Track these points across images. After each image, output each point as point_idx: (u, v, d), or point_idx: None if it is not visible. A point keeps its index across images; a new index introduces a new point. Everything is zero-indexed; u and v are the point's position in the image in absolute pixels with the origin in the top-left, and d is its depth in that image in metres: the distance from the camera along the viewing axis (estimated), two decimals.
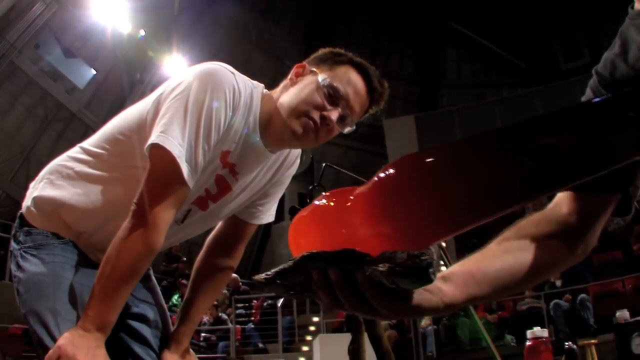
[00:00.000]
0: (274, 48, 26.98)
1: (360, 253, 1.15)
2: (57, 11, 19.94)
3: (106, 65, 22.63)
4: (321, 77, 2.42)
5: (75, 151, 2.57)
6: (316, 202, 1.30)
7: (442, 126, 23.71)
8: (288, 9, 27.50)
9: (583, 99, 1.61)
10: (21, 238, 2.47)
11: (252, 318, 17.94)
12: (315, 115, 2.39)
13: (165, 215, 2.24)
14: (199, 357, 2.85)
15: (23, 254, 2.42)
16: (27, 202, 2.53)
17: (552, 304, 13.83)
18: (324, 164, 4.33)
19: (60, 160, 2.58)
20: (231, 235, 2.83)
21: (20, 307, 2.35)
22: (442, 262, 3.92)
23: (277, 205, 2.91)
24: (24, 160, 20.64)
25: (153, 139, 2.22)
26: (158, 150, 2.21)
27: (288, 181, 2.85)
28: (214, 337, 16.66)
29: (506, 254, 1.49)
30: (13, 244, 2.50)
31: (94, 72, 22.68)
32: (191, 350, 2.77)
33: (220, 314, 16.83)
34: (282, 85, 2.55)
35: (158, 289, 2.81)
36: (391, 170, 1.17)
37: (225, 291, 17.35)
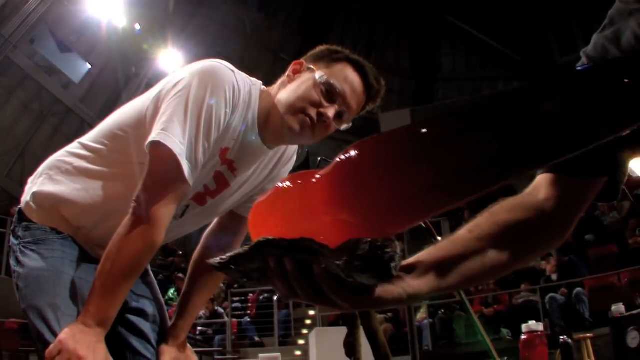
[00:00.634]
0: (269, 42, 26.93)
1: (318, 244, 1.09)
2: (52, 5, 19.88)
3: (101, 59, 22.58)
4: (318, 74, 2.43)
5: (74, 147, 2.59)
6: (278, 185, 1.23)
7: None
8: (283, 2, 27.45)
9: None
10: (20, 233, 2.48)
11: (248, 312, 17.97)
12: (312, 112, 2.40)
13: (165, 212, 2.26)
14: (195, 351, 2.85)
15: (22, 249, 2.43)
16: (26, 197, 2.54)
17: (547, 297, 13.87)
18: (319, 158, 4.33)
19: (59, 155, 2.59)
20: (228, 230, 2.84)
21: (20, 302, 2.36)
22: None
23: None
24: (20, 155, 20.58)
25: (154, 136, 2.23)
26: (159, 148, 2.22)
27: (285, 177, 2.84)
28: (210, 331, 16.69)
29: (478, 242, 1.41)
30: (12, 240, 2.51)
31: (89, 66, 22.62)
32: (188, 344, 2.78)
33: (216, 308, 16.86)
34: (279, 82, 2.57)
35: (155, 283, 2.82)
36: (352, 153, 1.12)
37: (221, 285, 17.36)
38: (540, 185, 1.51)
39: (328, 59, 2.50)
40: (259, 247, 1.13)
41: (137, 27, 21.84)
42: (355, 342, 3.23)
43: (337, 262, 1.07)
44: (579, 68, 1.13)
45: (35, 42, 20.93)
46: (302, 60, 2.57)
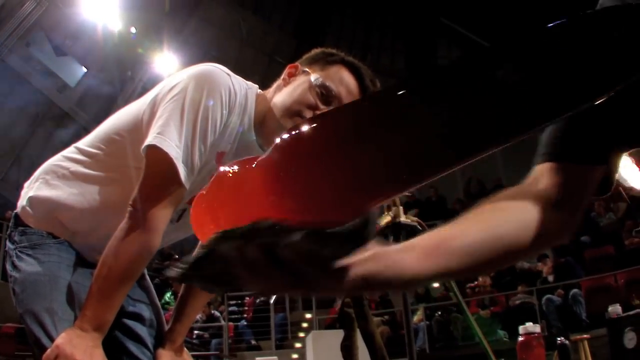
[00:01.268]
0: (265, 45, 26.94)
1: (273, 221, 0.93)
2: (47, 9, 19.88)
3: (97, 63, 22.56)
4: (313, 77, 2.43)
5: (70, 151, 2.58)
6: (217, 174, 1.10)
7: None
8: (278, 5, 27.46)
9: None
10: (16, 238, 2.47)
11: (245, 315, 17.97)
12: (308, 114, 2.39)
13: (162, 216, 2.25)
14: (192, 355, 2.85)
15: (18, 253, 2.42)
16: (22, 201, 2.54)
17: (544, 299, 13.89)
18: None
19: (56, 160, 2.59)
20: None
21: (17, 306, 2.35)
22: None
23: None
24: (15, 158, 20.58)
25: (150, 140, 2.22)
26: (155, 152, 2.21)
27: None
28: (206, 335, 16.68)
29: (487, 222, 1.32)
30: (8, 244, 2.51)
31: (85, 70, 22.62)
32: (185, 348, 2.78)
33: (212, 311, 16.84)
34: (275, 85, 2.57)
35: (152, 287, 2.82)
36: (293, 132, 1.00)
37: None
38: (540, 175, 1.44)
39: (323, 62, 2.50)
40: (215, 244, 0.97)
41: (133, 30, 21.84)
42: (352, 345, 3.23)
43: (295, 238, 0.93)
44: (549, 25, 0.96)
45: (31, 46, 20.91)
46: (297, 63, 2.57)
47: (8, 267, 2.45)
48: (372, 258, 1.11)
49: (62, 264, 2.39)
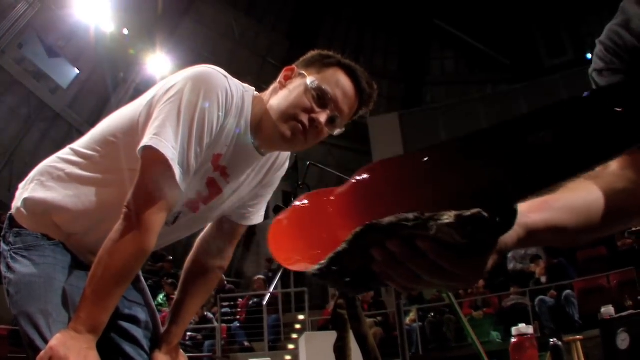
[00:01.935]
0: (258, 46, 26.95)
1: (417, 213, 0.99)
2: (40, 11, 19.87)
3: (89, 64, 22.56)
4: (309, 80, 2.43)
5: (65, 152, 2.58)
6: (296, 204, 1.27)
7: (426, 123, 23.79)
8: (271, 6, 27.47)
9: (590, 69, 1.63)
10: (11, 239, 2.47)
11: (238, 317, 17.92)
12: (304, 118, 2.40)
13: (157, 218, 2.25)
14: None
15: (13, 255, 2.42)
16: (17, 203, 2.53)
17: (537, 300, 13.91)
18: (308, 163, 4.33)
19: (51, 161, 2.58)
20: (221, 236, 2.84)
21: (11, 308, 2.35)
22: None
23: None
24: (8, 160, 20.56)
25: (146, 141, 2.22)
26: (151, 153, 2.21)
27: (277, 182, 2.87)
28: (199, 336, 16.65)
29: (584, 189, 1.39)
30: (3, 245, 2.50)
31: (77, 71, 22.60)
32: (181, 350, 2.78)
33: (205, 313, 16.82)
34: (271, 88, 2.56)
35: (147, 290, 2.82)
36: (368, 174, 1.13)
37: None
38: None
39: (319, 64, 2.50)
40: (360, 236, 1.03)
41: (125, 32, 21.85)
42: (345, 347, 3.23)
43: (447, 221, 0.97)
44: (573, 97, 1.05)
45: (24, 47, 20.90)
46: (293, 66, 2.57)
47: (2, 268, 2.45)
48: None
49: (57, 266, 2.39)
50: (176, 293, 2.86)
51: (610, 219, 1.42)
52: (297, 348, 14.68)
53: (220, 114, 2.33)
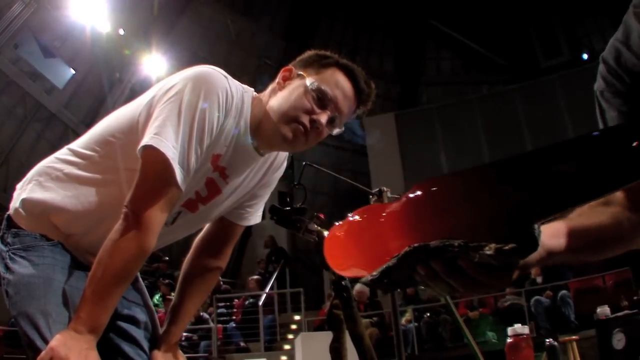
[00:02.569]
0: (254, 46, 26.92)
1: (460, 241, 1.20)
2: (35, 11, 19.83)
3: (85, 64, 22.50)
4: (309, 81, 2.45)
5: (63, 153, 2.58)
6: (350, 219, 1.47)
7: (422, 123, 23.78)
8: (268, 7, 27.43)
9: (595, 87, 1.70)
10: (9, 240, 2.48)
11: (234, 317, 17.92)
12: (305, 119, 2.42)
13: (157, 217, 2.26)
14: None
15: (12, 255, 2.42)
16: (14, 203, 2.54)
17: (532, 300, 13.93)
18: (304, 163, 4.33)
19: (49, 161, 2.59)
20: (219, 237, 2.86)
21: (10, 309, 2.36)
22: None
23: None
24: (4, 160, 20.51)
25: (146, 140, 2.23)
26: (151, 152, 2.22)
27: (275, 183, 2.89)
28: (195, 337, 16.64)
29: (590, 217, 1.56)
30: (1, 246, 2.50)
31: (73, 71, 22.54)
32: (179, 350, 2.78)
33: (201, 314, 16.81)
34: (270, 88, 2.58)
35: (145, 290, 2.83)
36: (418, 192, 1.29)
37: None
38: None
39: (317, 65, 2.52)
40: (408, 255, 1.26)
41: (121, 32, 21.82)
42: (341, 347, 3.23)
43: (488, 252, 1.18)
44: (594, 134, 1.23)
45: (19, 48, 20.85)
46: (291, 66, 2.58)
47: (1, 269, 2.45)
48: None
49: (56, 266, 2.39)
50: (175, 293, 2.87)
51: (614, 245, 1.63)
52: (293, 348, 14.70)
53: (220, 114, 2.35)
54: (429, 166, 22.22)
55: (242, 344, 17.10)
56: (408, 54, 28.86)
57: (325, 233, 2.80)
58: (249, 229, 3.00)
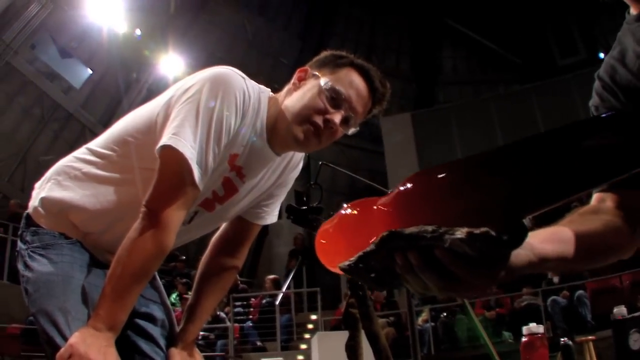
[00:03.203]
0: (270, 46, 26.94)
1: (434, 227, 1.13)
2: (52, 11, 19.92)
3: (102, 65, 22.59)
4: (323, 81, 2.46)
5: (82, 152, 2.61)
6: (341, 212, 1.41)
7: (439, 123, 23.65)
8: (283, 7, 27.44)
9: (590, 103, 1.71)
10: (28, 238, 2.50)
11: (251, 316, 17.91)
12: (319, 119, 2.43)
13: (175, 216, 2.28)
14: None
15: (31, 253, 2.44)
16: (34, 202, 2.56)
17: (549, 300, 13.87)
18: (320, 162, 4.34)
19: (67, 161, 2.61)
20: (236, 236, 2.88)
21: (30, 306, 2.38)
22: None
23: None
24: (21, 160, 20.61)
25: (165, 140, 2.25)
26: (170, 152, 2.24)
27: (292, 182, 2.91)
28: (212, 336, 16.65)
29: (581, 224, 1.52)
30: (20, 244, 2.52)
31: (90, 72, 22.65)
32: (196, 348, 2.80)
33: (218, 313, 16.81)
34: (286, 89, 2.60)
35: (163, 288, 2.85)
36: (410, 185, 1.24)
37: None
38: (604, 197, 1.64)
39: (332, 65, 2.53)
40: (385, 241, 1.17)
41: (138, 32, 21.89)
42: (357, 346, 3.24)
43: (459, 236, 1.10)
44: (604, 115, 1.24)
45: (36, 48, 20.97)
46: (306, 67, 2.60)
47: (20, 267, 2.47)
48: None
49: (74, 264, 2.41)
50: (192, 292, 2.88)
51: (605, 254, 1.58)
52: (309, 348, 14.69)
53: (238, 114, 2.37)
54: None
55: (258, 343, 17.10)
56: (424, 53, 28.82)
57: None
58: (265, 228, 3.01)
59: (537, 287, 14.57)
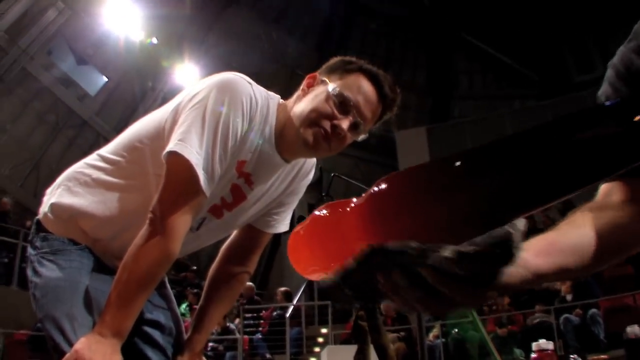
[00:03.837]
0: (286, 57, 27.01)
1: (419, 244, 1.04)
2: (70, 18, 20.05)
3: (118, 72, 22.72)
4: (331, 87, 2.45)
5: (92, 158, 2.62)
6: (315, 213, 1.31)
7: (454, 138, 23.65)
8: (300, 18, 27.52)
9: (600, 92, 1.68)
10: (38, 244, 2.51)
11: (260, 328, 17.91)
12: (326, 124, 2.42)
13: (182, 223, 2.28)
14: None
15: (40, 259, 2.45)
16: (44, 208, 2.57)
17: (562, 318, 13.80)
18: (332, 174, 4.33)
19: (78, 167, 2.62)
20: (246, 244, 2.88)
21: (37, 312, 2.38)
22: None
23: None
24: (34, 166, 20.70)
25: (171, 146, 2.26)
26: (176, 158, 2.25)
27: (303, 191, 2.90)
28: (221, 347, 16.64)
29: (583, 226, 1.42)
30: (29, 250, 2.54)
31: (105, 79, 22.77)
32: (204, 357, 2.79)
33: (228, 324, 16.82)
34: (295, 95, 2.60)
35: (172, 296, 2.85)
36: (384, 185, 1.15)
37: (236, 302, 17.31)
38: (610, 190, 1.55)
39: (341, 70, 2.52)
40: (365, 259, 1.08)
41: (154, 41, 21.97)
42: (365, 359, 3.24)
43: (447, 255, 1.02)
44: (607, 103, 1.12)
45: (53, 54, 21.09)
46: (316, 73, 2.59)
47: (29, 272, 2.48)
48: None
49: (82, 270, 2.42)
50: (200, 300, 2.87)
51: (610, 254, 1.45)
52: None
53: (245, 120, 2.37)
54: None
55: (268, 355, 17.07)
56: (440, 67, 28.84)
57: None
58: (277, 239, 3.01)
59: (550, 305, 14.51)
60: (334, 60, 2.61)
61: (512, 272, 1.16)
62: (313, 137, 2.43)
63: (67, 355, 2.15)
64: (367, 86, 2.48)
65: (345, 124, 2.43)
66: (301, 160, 2.73)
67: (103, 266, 2.51)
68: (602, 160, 1.05)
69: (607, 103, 1.14)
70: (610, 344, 12.43)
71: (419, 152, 23.15)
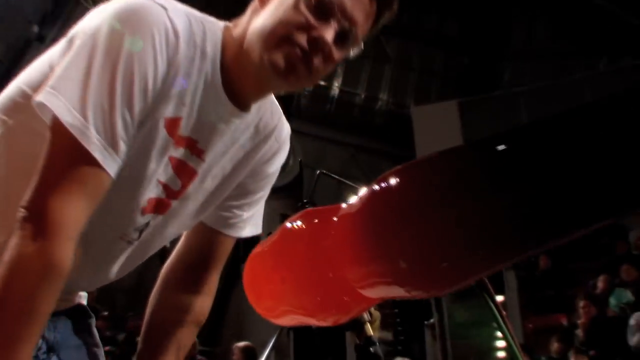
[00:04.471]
0: None
1: None
2: None
3: None
4: None
5: None
6: (286, 225, 1.23)
7: (502, 115, 23.29)
8: None
9: None
10: None
11: None
12: (302, 38, 2.29)
13: (70, 215, 2.12)
14: None
15: None
16: None
17: None
18: (317, 172, 4.27)
19: None
20: (198, 256, 2.78)
21: None
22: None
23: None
24: None
25: (38, 96, 2.13)
26: (54, 119, 2.12)
27: (273, 178, 2.79)
28: None
29: None
30: None
31: None
32: None
33: None
34: (249, 10, 2.47)
35: (102, 353, 2.76)
36: (390, 183, 1.14)
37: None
38: None
39: None
40: None
41: None
42: None
43: None
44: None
45: None
46: None
47: None
48: None
49: None
50: (138, 347, 2.77)
51: None
52: None
53: (160, 59, 2.23)
54: None
55: None
56: (481, 13, 28.66)
57: None
58: (235, 274, 2.95)
59: None
60: None
61: None
62: (285, 60, 2.29)
63: None
64: None
65: (328, 33, 2.30)
66: (265, 117, 2.64)
67: None
68: None
69: None
70: None
71: (447, 136, 22.56)
